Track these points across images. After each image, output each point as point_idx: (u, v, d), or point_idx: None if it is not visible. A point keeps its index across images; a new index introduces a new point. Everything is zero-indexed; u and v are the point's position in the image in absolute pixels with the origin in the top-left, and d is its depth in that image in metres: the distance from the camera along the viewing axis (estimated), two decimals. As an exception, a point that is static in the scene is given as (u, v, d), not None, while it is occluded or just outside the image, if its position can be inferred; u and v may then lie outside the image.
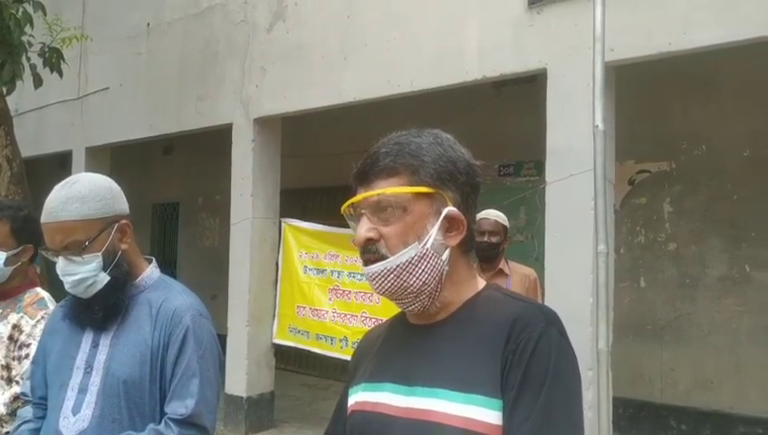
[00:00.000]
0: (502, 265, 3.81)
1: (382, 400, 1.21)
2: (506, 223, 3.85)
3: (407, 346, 1.25)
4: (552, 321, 1.13)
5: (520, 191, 6.30)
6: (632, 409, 6.29)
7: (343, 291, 5.77)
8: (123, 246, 1.91)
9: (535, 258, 5.73)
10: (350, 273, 5.74)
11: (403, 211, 1.17)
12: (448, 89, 5.06)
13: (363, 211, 1.21)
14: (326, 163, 8.74)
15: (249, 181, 6.16)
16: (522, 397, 1.06)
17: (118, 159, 12.23)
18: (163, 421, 1.75)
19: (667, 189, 6.25)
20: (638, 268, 6.39)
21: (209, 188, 9.87)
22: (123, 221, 1.91)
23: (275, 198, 6.37)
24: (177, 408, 1.75)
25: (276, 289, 6.33)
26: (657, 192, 6.29)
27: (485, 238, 3.67)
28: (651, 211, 6.34)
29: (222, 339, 6.32)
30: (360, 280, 5.64)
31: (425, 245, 1.16)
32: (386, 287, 1.18)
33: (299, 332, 6.12)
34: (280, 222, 6.37)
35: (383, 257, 1.17)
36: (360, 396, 1.28)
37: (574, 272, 4.01)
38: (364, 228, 1.19)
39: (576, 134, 4.13)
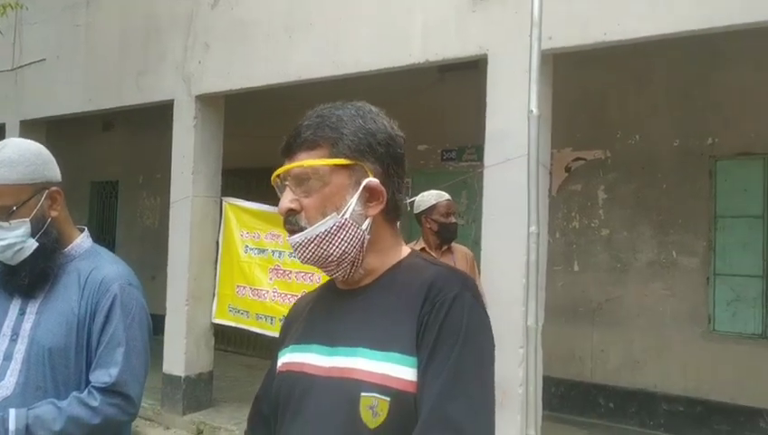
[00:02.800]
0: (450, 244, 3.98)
1: (307, 360, 1.26)
2: None
3: (333, 310, 1.30)
4: (466, 285, 1.19)
5: (462, 176, 6.41)
6: (564, 388, 6.52)
7: (284, 271, 5.78)
8: (53, 214, 1.88)
9: (474, 242, 5.87)
10: (291, 253, 5.72)
11: (323, 183, 1.21)
12: (392, 71, 5.09)
13: (287, 183, 1.25)
14: (271, 143, 8.66)
15: (190, 159, 6.08)
16: (435, 355, 1.11)
17: (55, 135, 11.85)
18: (87, 390, 1.74)
19: (601, 177, 6.47)
20: (573, 252, 6.60)
21: (150, 166, 9.69)
22: (54, 188, 1.88)
23: (217, 177, 6.31)
24: (100, 376, 1.75)
25: (216, 269, 6.29)
26: (592, 179, 6.51)
27: (452, 219, 3.80)
28: (586, 198, 6.55)
29: (161, 319, 6.27)
30: (301, 260, 5.65)
31: (343, 215, 1.20)
32: (308, 256, 1.23)
33: (239, 311, 6.10)
34: (221, 201, 6.32)
35: (302, 229, 1.22)
36: (287, 358, 1.32)
37: (509, 253, 4.12)
38: (287, 199, 1.24)
39: (514, 119, 4.22)
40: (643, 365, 6.16)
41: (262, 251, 5.98)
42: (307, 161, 1.22)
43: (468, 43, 4.60)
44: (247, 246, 6.09)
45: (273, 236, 5.89)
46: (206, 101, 6.13)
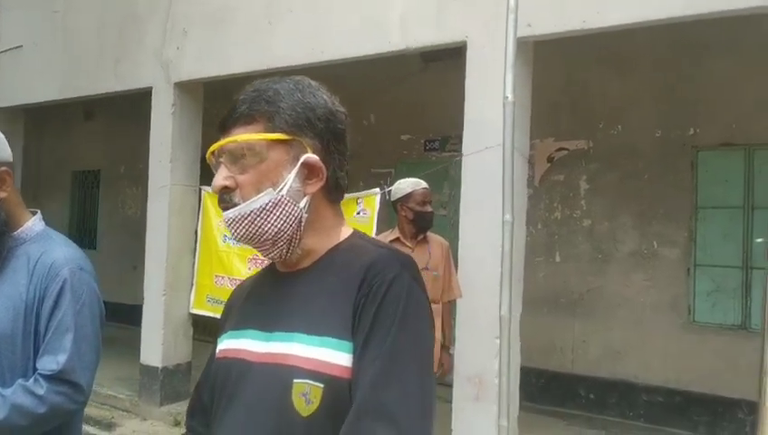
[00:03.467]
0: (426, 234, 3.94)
1: (244, 346, 1.21)
2: None
3: (271, 294, 1.25)
4: (406, 266, 1.14)
5: (445, 167, 6.36)
6: (544, 379, 6.51)
7: (262, 260, 5.70)
8: (1, 195, 1.81)
9: (451, 225, 5.81)
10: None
11: (259, 159, 1.16)
12: (372, 58, 5.03)
13: (221, 160, 1.19)
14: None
15: (168, 147, 5.99)
16: (371, 339, 1.06)
17: (36, 123, 11.72)
18: (33, 377, 1.69)
19: (583, 167, 6.44)
20: (554, 243, 6.58)
21: (132, 155, 9.57)
22: (2, 168, 1.80)
23: (196, 165, 6.22)
24: (47, 363, 1.69)
25: (195, 258, 6.22)
26: (575, 170, 6.48)
27: (428, 208, 3.75)
28: (568, 188, 6.52)
29: (139, 309, 6.20)
30: (279, 249, 5.59)
31: (279, 191, 1.15)
32: (241, 233, 1.17)
33: (217, 301, 6.02)
34: (200, 190, 6.24)
35: (236, 205, 1.16)
36: (225, 344, 1.27)
37: (486, 243, 4.08)
38: (221, 177, 1.18)
39: (492, 107, 4.17)
40: (623, 356, 6.15)
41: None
42: (242, 136, 1.16)
43: (447, 30, 4.54)
44: (225, 236, 6.02)
45: (252, 225, 5.82)
46: (185, 89, 6.05)
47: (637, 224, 6.15)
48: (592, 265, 6.37)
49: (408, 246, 3.76)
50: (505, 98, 3.43)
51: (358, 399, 1.04)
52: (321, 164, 1.18)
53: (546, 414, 6.22)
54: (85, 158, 10.98)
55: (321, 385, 1.07)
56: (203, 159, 6.40)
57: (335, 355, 1.08)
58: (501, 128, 3.90)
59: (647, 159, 6.10)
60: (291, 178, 1.16)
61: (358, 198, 5.02)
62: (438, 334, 3.76)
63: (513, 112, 3.46)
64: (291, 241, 1.18)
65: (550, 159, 6.60)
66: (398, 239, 3.81)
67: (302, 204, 1.17)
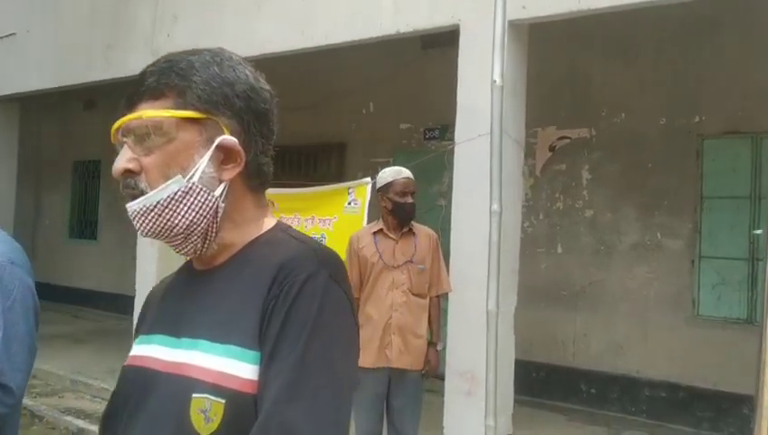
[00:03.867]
0: (411, 226, 3.69)
1: (151, 353, 1.07)
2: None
3: (183, 294, 1.10)
4: (324, 263, 0.99)
5: (443, 157, 6.19)
6: (544, 372, 6.37)
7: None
8: None
9: (442, 217, 5.65)
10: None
11: (166, 139, 1.01)
12: (364, 43, 4.88)
13: (125, 139, 1.04)
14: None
15: (159, 136, 5.86)
16: (278, 349, 0.92)
17: (36, 113, 11.66)
18: None
19: (586, 156, 6.26)
20: (556, 234, 6.41)
21: (130, 145, 9.44)
22: None
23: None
24: None
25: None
26: (577, 159, 6.30)
27: (409, 199, 3.58)
28: (570, 178, 6.35)
29: (131, 299, 6.10)
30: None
31: (190, 178, 1.00)
32: (148, 228, 1.02)
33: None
34: (193, 180, 6.11)
35: (142, 193, 1.01)
36: (133, 350, 1.13)
37: (476, 235, 3.93)
38: (123, 158, 1.02)
39: (485, 93, 4.02)
40: (626, 350, 5.99)
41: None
42: (147, 112, 1.01)
43: (439, 13, 4.38)
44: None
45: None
46: (176, 76, 5.90)
47: (640, 215, 5.97)
48: (595, 256, 6.20)
49: (392, 238, 3.62)
50: (493, 81, 3.27)
51: (261, 416, 0.90)
52: (240, 147, 1.02)
53: (546, 409, 6.07)
54: (86, 147, 10.89)
55: (223, 401, 0.93)
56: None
57: (239, 366, 0.93)
58: (486, 116, 3.75)
59: (651, 148, 5.91)
60: (204, 163, 1.01)
61: (349, 187, 4.88)
62: (423, 330, 3.60)
63: (501, 97, 3.30)
64: (206, 235, 1.03)
65: (551, 148, 6.42)
66: (381, 231, 3.66)
67: (217, 192, 1.02)
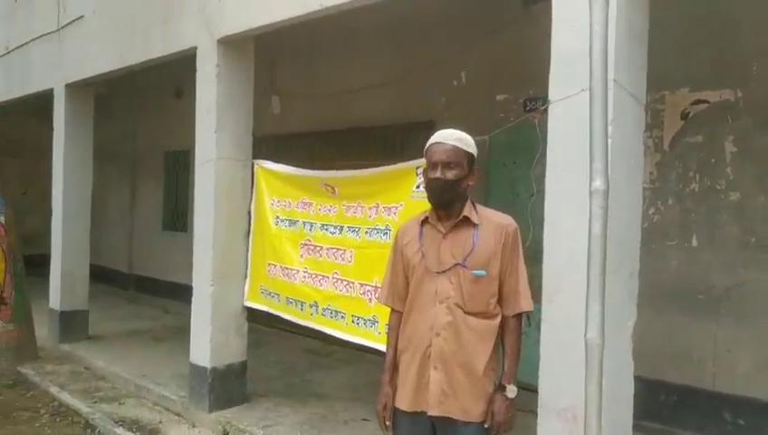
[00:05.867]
0: (467, 210, 2.59)
1: None
2: (472, 149, 2.60)
3: None
4: None
5: (537, 124, 5.06)
6: (676, 395, 5.12)
7: (314, 246, 4.76)
8: None
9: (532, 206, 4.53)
10: (322, 225, 4.71)
11: None
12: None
13: None
14: (326, 104, 7.73)
15: (213, 114, 5.18)
16: None
17: (130, 103, 11.54)
18: None
19: (729, 124, 4.92)
20: (690, 224, 5.13)
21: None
22: None
23: (247, 136, 5.37)
24: None
25: (248, 243, 5.40)
26: (717, 128, 4.97)
27: (438, 173, 2.56)
28: (709, 152, 5.03)
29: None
30: (332, 233, 4.62)
31: None
32: None
33: (270, 294, 5.18)
34: (252, 164, 5.40)
35: None
36: None
37: (576, 222, 2.88)
38: None
39: (584, 37, 2.96)
40: (786, 372, 4.64)
41: (293, 223, 5.00)
42: None
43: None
44: (278, 217, 5.14)
45: (305, 204, 4.89)
46: (230, 46, 5.19)
47: (806, 197, 4.59)
48: (742, 252, 4.87)
49: (439, 231, 2.62)
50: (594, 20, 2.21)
51: None
52: None
53: (679, 442, 4.86)
54: (176, 138, 10.60)
55: None
56: (255, 129, 5.56)
57: None
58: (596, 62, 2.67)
59: (821, 110, 4.50)
60: None
61: (417, 167, 3.93)
62: (482, 365, 2.53)
63: (604, 43, 2.24)
64: None
65: (684, 116, 5.13)
66: (426, 220, 2.68)
67: None
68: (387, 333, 2.82)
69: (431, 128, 7.18)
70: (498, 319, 2.56)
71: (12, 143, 12.53)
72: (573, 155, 3.01)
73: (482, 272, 2.51)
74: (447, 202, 2.56)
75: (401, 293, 2.67)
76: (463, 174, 2.55)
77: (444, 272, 2.53)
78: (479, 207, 2.66)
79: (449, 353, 2.51)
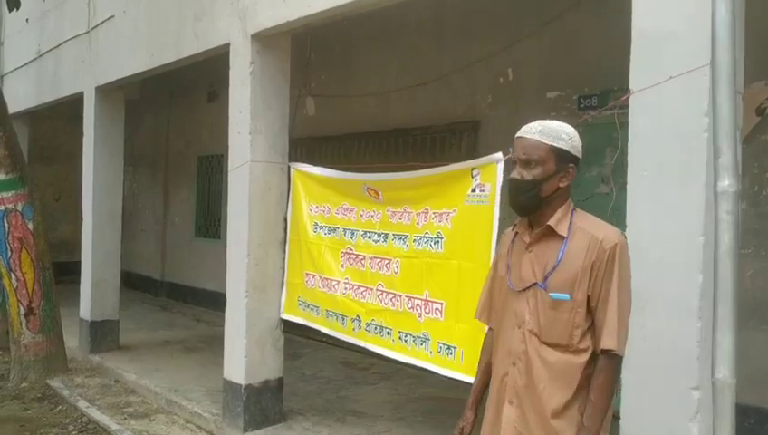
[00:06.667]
0: (556, 218, 2.13)
1: None
2: (562, 142, 2.12)
3: None
4: None
5: (606, 130, 4.66)
6: (754, 419, 4.65)
7: (356, 256, 4.41)
8: None
9: (612, 208, 4.11)
10: (365, 232, 4.36)
11: None
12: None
13: None
14: (357, 105, 7.40)
15: (247, 115, 4.87)
16: None
17: (163, 106, 11.36)
18: None
19: (814, 119, 4.46)
20: (767, 230, 4.66)
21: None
22: None
23: (282, 138, 5.05)
24: None
25: (285, 252, 5.07)
26: (800, 124, 4.51)
27: (515, 173, 2.16)
28: (789, 151, 4.57)
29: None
30: (376, 242, 4.26)
31: None
32: None
33: (308, 306, 4.84)
34: (289, 168, 5.07)
35: None
36: None
37: (673, 229, 2.47)
38: None
39: (681, 14, 2.56)
40: None
41: (332, 230, 4.66)
42: None
43: None
44: (316, 224, 4.80)
45: (346, 210, 4.55)
46: (265, 42, 4.88)
47: None
48: (830, 260, 4.40)
49: (524, 241, 2.22)
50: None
51: None
52: None
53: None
54: (209, 142, 10.39)
55: None
56: (291, 131, 5.23)
57: None
58: (695, 44, 2.28)
59: None
60: None
61: (473, 168, 3.54)
62: (561, 405, 2.07)
63: (733, 19, 1.84)
64: None
65: (760, 111, 4.68)
66: (514, 229, 2.29)
67: None
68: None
69: (476, 128, 6.87)
70: (586, 355, 2.08)
71: (45, 149, 12.44)
72: (664, 152, 2.61)
73: (564, 296, 2.06)
74: (527, 207, 2.15)
75: (498, 308, 2.31)
76: (547, 173, 2.11)
77: (523, 291, 2.15)
78: (580, 214, 2.19)
79: (522, 388, 2.13)
